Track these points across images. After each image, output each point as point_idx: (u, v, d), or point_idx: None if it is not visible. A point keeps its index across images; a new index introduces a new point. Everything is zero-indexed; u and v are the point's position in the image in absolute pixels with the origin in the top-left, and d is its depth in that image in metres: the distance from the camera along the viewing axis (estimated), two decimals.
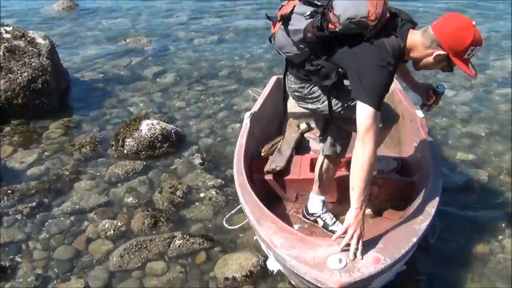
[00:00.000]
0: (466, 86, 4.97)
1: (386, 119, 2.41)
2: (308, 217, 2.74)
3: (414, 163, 2.94)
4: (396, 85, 3.55)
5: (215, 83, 5.18)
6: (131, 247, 2.73)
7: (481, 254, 2.74)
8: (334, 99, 2.32)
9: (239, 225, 2.79)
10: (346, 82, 2.18)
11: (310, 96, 2.37)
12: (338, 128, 2.53)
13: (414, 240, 2.08)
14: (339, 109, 2.34)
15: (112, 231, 2.90)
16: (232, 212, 2.90)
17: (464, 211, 3.07)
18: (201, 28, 7.18)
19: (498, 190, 3.29)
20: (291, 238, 2.09)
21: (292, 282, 2.42)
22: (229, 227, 2.80)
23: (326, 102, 2.33)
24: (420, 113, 3.17)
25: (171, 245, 2.76)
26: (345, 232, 1.95)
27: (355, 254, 1.92)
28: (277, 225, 2.20)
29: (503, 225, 2.93)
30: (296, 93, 2.41)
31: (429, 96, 2.52)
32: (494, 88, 4.93)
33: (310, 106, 2.43)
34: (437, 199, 2.35)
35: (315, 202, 2.70)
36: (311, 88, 2.33)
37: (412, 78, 2.62)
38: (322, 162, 2.62)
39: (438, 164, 2.68)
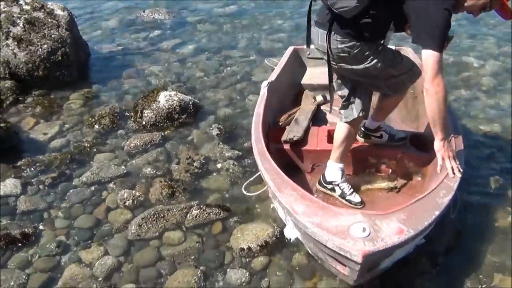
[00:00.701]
0: (494, 55, 4.80)
1: (410, 70, 2.52)
2: (326, 185, 2.70)
3: (433, 139, 2.85)
4: (416, 60, 3.42)
5: (234, 54, 5.12)
6: (149, 217, 2.77)
7: (502, 227, 2.69)
8: (380, 57, 2.33)
9: (258, 193, 2.80)
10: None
11: (360, 56, 2.32)
12: (365, 89, 2.52)
13: (437, 213, 2.06)
14: (383, 66, 2.37)
15: (130, 201, 2.94)
16: (251, 179, 2.91)
17: (485, 183, 3.00)
18: None
19: None
20: (312, 206, 2.10)
21: (310, 251, 2.43)
22: (247, 193, 2.81)
23: (375, 60, 2.33)
24: None
25: (188, 215, 2.80)
26: (443, 160, 2.30)
27: (459, 170, 2.29)
28: (298, 193, 2.20)
29: None
30: (341, 54, 2.35)
31: None
32: None
33: (355, 66, 2.38)
34: (459, 174, 2.31)
35: (333, 169, 2.66)
36: (362, 47, 2.30)
37: None
38: (343, 129, 2.58)
39: (460, 139, 2.60)
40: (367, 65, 2.35)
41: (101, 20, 6.28)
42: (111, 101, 4.19)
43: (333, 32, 2.31)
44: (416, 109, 3.29)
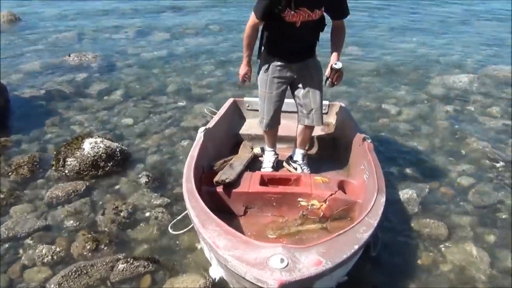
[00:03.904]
0: (409, 102, 5.17)
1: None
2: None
3: (360, 185, 3.01)
4: (347, 114, 3.72)
5: (163, 100, 5.09)
6: (70, 274, 2.58)
7: (425, 264, 2.80)
8: None
9: (183, 231, 2.74)
10: None
11: None
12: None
13: (356, 247, 2.15)
14: None
15: (49, 257, 2.74)
16: (178, 218, 2.87)
17: (407, 223, 3.15)
18: (149, 44, 7.07)
19: (439, 202, 3.40)
20: (234, 240, 2.12)
21: None
22: (173, 232, 2.77)
23: None
24: (368, 139, 3.24)
25: (114, 270, 2.64)
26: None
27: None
28: (222, 228, 2.22)
29: (445, 235, 3.03)
30: None
31: (329, 71, 2.94)
32: (435, 104, 5.14)
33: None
34: (380, 213, 2.43)
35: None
36: None
37: (335, 53, 3.01)
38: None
39: (382, 184, 2.76)
40: None
41: (22, 62, 6.03)
42: (31, 149, 3.96)
43: None
44: (347, 158, 3.45)
